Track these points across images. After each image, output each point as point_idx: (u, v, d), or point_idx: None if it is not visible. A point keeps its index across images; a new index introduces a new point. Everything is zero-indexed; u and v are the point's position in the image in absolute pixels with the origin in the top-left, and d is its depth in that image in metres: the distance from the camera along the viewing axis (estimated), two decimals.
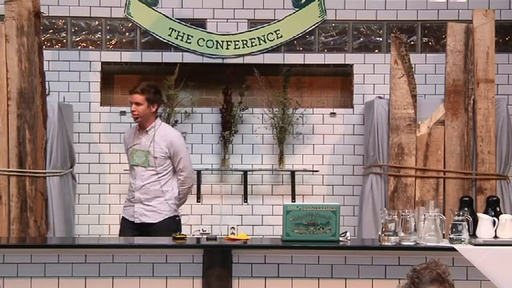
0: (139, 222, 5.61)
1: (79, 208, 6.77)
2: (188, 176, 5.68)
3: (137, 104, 5.57)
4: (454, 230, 4.56)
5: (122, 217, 5.77)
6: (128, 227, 5.67)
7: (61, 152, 6.14)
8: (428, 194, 6.20)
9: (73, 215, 6.40)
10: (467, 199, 4.99)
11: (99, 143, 6.98)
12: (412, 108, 6.28)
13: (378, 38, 7.19)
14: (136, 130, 5.72)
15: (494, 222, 4.72)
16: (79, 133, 6.91)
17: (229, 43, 7.06)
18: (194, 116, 7.05)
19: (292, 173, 6.96)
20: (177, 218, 5.69)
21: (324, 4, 7.09)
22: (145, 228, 5.58)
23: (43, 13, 6.15)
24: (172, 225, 5.57)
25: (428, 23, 7.16)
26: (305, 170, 6.99)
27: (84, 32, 7.10)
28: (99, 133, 6.96)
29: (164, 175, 5.61)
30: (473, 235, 4.66)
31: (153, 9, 7.06)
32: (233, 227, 6.87)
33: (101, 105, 7.03)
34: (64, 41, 7.09)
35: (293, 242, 4.58)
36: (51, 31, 7.06)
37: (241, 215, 7.01)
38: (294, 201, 6.85)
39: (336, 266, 4.60)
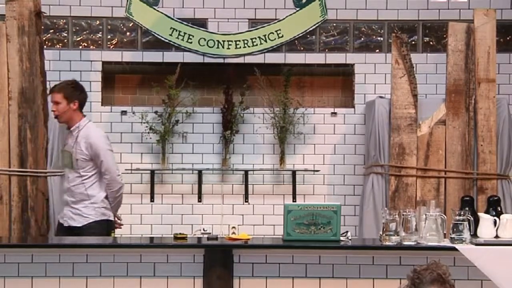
0: (67, 225, 5.38)
1: None
2: (113, 179, 5.34)
3: (56, 103, 5.34)
4: (455, 229, 4.55)
5: (58, 220, 5.57)
6: (60, 230, 5.46)
7: None
8: (429, 193, 6.20)
9: None
10: (468, 198, 4.98)
11: None
12: (413, 108, 6.28)
13: (379, 38, 7.19)
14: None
15: (495, 222, 4.71)
16: None
17: (230, 42, 7.06)
18: (195, 115, 7.05)
19: (293, 173, 6.96)
20: (107, 222, 5.38)
21: (325, 3, 7.09)
22: (72, 231, 5.33)
23: (44, 12, 6.15)
24: (98, 229, 5.33)
25: (429, 23, 7.16)
26: (306, 170, 6.99)
27: (85, 32, 7.10)
28: None
29: (87, 178, 5.33)
30: (474, 235, 4.65)
31: (154, 8, 7.06)
32: (234, 227, 6.92)
33: (102, 105, 7.03)
34: (65, 40, 7.09)
35: (294, 242, 4.57)
36: (52, 30, 7.06)
37: (242, 214, 7.01)
38: (295, 201, 6.85)
39: (337, 266, 4.60)
